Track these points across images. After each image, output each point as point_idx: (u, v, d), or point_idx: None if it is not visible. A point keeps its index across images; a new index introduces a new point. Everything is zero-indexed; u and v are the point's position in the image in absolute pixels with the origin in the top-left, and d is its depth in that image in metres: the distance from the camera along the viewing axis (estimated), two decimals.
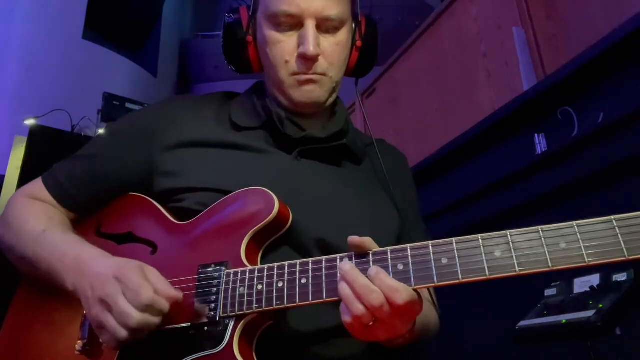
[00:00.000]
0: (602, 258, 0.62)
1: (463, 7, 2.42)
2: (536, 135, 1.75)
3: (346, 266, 0.69)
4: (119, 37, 6.30)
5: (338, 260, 0.73)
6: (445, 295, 1.04)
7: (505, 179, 1.85)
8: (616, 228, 0.62)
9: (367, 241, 0.72)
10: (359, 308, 0.66)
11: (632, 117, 1.42)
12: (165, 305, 0.75)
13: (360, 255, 0.72)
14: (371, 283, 0.67)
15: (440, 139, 2.34)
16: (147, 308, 0.74)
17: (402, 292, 0.66)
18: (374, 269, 0.68)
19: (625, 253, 0.61)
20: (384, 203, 0.98)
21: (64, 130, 3.19)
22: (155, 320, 0.75)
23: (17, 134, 2.86)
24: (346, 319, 0.69)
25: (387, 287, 0.67)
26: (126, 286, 0.75)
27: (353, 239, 0.72)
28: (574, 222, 0.64)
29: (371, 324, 0.67)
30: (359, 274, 0.68)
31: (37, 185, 0.98)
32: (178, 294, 0.77)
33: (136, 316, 0.73)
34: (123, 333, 0.73)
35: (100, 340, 0.78)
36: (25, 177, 2.60)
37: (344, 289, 0.68)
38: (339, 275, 0.70)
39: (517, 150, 1.83)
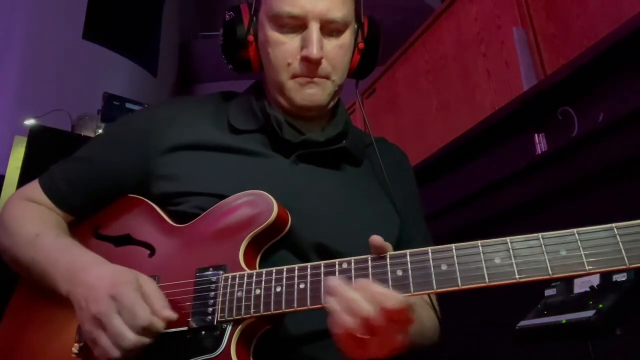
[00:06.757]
0: (603, 266, 0.60)
1: (463, 7, 2.41)
2: (536, 135, 1.75)
3: (333, 281, 0.67)
4: (119, 37, 6.28)
5: (337, 265, 0.72)
6: (445, 295, 1.04)
7: (506, 179, 1.84)
8: (617, 236, 0.61)
9: (387, 245, 0.71)
10: (347, 320, 0.64)
11: (632, 117, 1.41)
12: (161, 326, 0.74)
13: (359, 261, 0.71)
14: (359, 295, 0.65)
15: (440, 139, 2.34)
16: (144, 330, 0.72)
17: (391, 297, 0.64)
18: (360, 281, 0.67)
19: (627, 261, 0.60)
20: (384, 205, 0.97)
21: (64, 130, 3.19)
22: (148, 340, 0.73)
23: (17, 134, 2.86)
24: (337, 330, 0.66)
25: (377, 294, 0.64)
26: (122, 305, 0.73)
27: (375, 239, 0.70)
28: (575, 230, 0.63)
29: (367, 337, 0.65)
30: (347, 287, 0.66)
31: (34, 188, 0.98)
32: (172, 315, 0.75)
33: (131, 338, 0.71)
34: (115, 353, 0.72)
35: (94, 353, 0.77)
36: (25, 177, 2.59)
37: (331, 303, 0.65)
38: (322, 289, 0.67)
39: (517, 150, 1.83)
